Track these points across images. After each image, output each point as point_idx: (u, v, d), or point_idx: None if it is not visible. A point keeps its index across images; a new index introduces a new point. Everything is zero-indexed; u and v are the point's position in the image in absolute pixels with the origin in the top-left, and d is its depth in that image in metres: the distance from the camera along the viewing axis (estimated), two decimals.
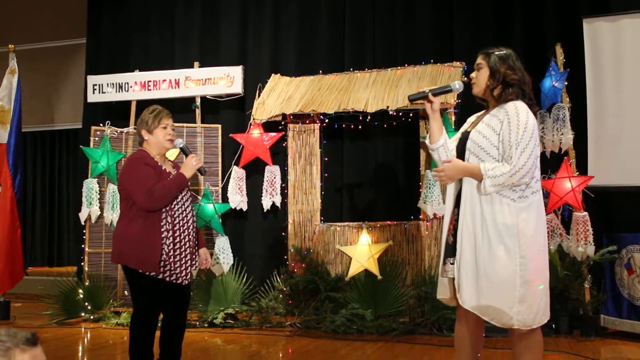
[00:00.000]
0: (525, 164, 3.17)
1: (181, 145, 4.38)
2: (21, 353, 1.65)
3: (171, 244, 4.05)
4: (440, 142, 3.61)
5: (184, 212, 4.18)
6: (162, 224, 4.05)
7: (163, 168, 4.19)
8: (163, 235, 4.03)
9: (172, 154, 6.42)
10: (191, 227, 4.22)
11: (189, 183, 4.33)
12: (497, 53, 3.44)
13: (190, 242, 4.20)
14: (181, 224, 4.13)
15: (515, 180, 3.20)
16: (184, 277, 4.14)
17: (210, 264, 4.63)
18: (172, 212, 4.09)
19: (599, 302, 5.96)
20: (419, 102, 3.75)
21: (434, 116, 3.62)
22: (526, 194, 3.25)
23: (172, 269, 4.05)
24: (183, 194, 4.20)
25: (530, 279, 3.19)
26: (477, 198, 3.30)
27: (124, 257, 4.07)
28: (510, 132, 3.23)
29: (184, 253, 4.12)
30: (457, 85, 3.63)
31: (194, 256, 4.25)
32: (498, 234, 3.21)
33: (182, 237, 4.12)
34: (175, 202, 4.12)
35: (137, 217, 4.05)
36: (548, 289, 3.33)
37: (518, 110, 3.25)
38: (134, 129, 7.74)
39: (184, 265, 4.12)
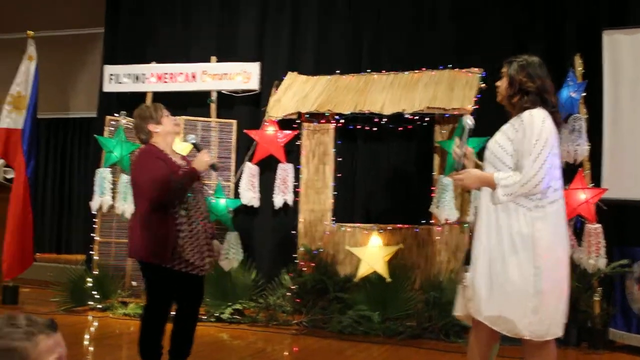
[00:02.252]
0: (537, 174, 3.13)
1: (193, 141, 4.40)
2: (46, 339, 1.65)
3: (186, 236, 4.06)
4: None
5: (197, 205, 4.18)
6: (175, 216, 4.05)
7: (173, 160, 4.19)
8: (177, 228, 4.04)
9: (184, 149, 6.42)
10: (205, 218, 4.24)
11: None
12: (518, 61, 3.41)
13: (205, 234, 4.21)
14: (195, 215, 4.14)
15: (527, 190, 3.16)
16: (200, 269, 4.15)
17: (220, 258, 4.65)
18: (186, 205, 4.10)
19: (608, 315, 5.93)
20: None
21: (468, 163, 3.56)
22: (543, 204, 3.20)
23: (188, 260, 4.06)
24: (194, 185, 4.20)
25: (544, 290, 3.15)
26: (492, 207, 3.28)
27: (140, 251, 4.08)
28: (524, 140, 3.21)
29: (199, 244, 4.13)
30: (470, 121, 3.56)
31: (209, 247, 4.26)
32: (513, 243, 3.18)
33: (197, 228, 4.13)
34: (188, 194, 4.12)
35: (150, 211, 4.04)
36: (564, 301, 3.28)
37: (533, 119, 3.22)
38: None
39: (199, 256, 4.13)
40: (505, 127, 3.39)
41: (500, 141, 3.35)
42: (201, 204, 4.23)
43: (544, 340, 3.24)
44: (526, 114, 3.28)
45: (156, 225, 4.01)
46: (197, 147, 4.38)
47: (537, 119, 3.22)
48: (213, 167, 4.33)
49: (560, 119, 3.37)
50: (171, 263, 4.01)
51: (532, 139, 3.18)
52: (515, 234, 3.19)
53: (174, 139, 4.31)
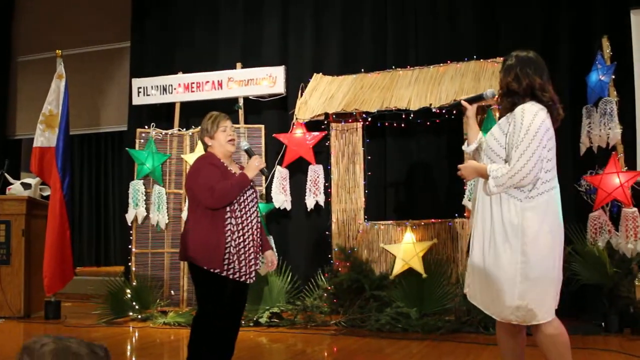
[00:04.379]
0: (525, 167, 3.22)
1: (245, 148, 4.51)
2: None
3: (235, 244, 4.13)
4: (473, 146, 3.75)
5: (248, 213, 4.25)
6: (225, 223, 4.14)
7: (229, 169, 4.28)
8: (227, 235, 4.12)
9: None
10: (255, 227, 4.29)
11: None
12: (508, 62, 3.49)
13: (254, 242, 4.27)
14: (245, 224, 4.21)
15: (515, 182, 3.26)
16: (248, 276, 4.21)
17: (273, 268, 4.69)
18: (235, 214, 4.17)
19: None
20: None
21: (467, 122, 3.80)
22: (532, 195, 3.30)
23: (237, 267, 4.13)
24: (247, 195, 4.27)
25: (532, 277, 3.26)
26: (487, 198, 3.41)
27: (191, 254, 4.15)
28: (514, 134, 3.30)
29: (248, 252, 4.20)
30: (489, 93, 3.75)
31: (257, 255, 4.33)
32: (504, 233, 3.31)
33: (245, 236, 4.19)
34: (238, 203, 4.19)
35: (202, 217, 4.15)
36: (555, 288, 3.34)
37: (524, 113, 3.30)
38: (178, 130, 7.86)
39: (248, 264, 4.19)
40: (501, 121, 3.50)
41: (496, 134, 3.46)
42: (251, 214, 4.29)
43: (546, 322, 3.31)
44: (518, 108, 3.36)
45: (208, 231, 4.11)
46: (248, 153, 4.47)
47: (527, 113, 3.30)
48: (263, 171, 4.42)
49: (559, 112, 3.42)
50: (220, 268, 4.08)
51: (522, 133, 3.27)
52: (507, 223, 3.31)
53: (230, 151, 4.36)
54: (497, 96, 3.59)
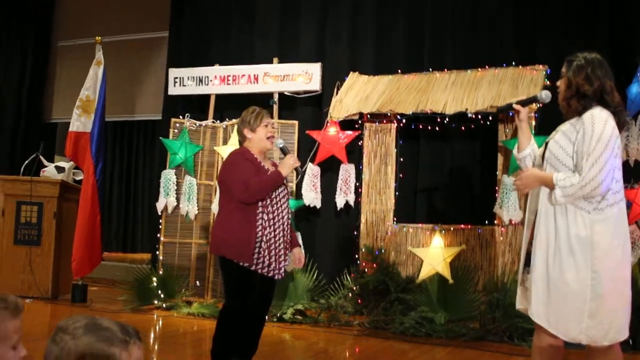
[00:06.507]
0: (597, 177, 3.07)
1: (281, 145, 4.55)
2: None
3: (265, 239, 4.16)
4: (527, 152, 3.57)
5: (279, 209, 4.29)
6: (257, 218, 4.17)
7: (262, 165, 4.32)
8: (258, 230, 4.15)
9: None
10: (285, 223, 4.33)
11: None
12: (577, 62, 3.33)
13: (285, 238, 4.31)
14: (276, 219, 4.25)
15: (586, 193, 3.10)
16: (277, 272, 4.25)
17: (301, 266, 4.72)
18: (267, 209, 4.20)
19: None
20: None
21: (520, 126, 3.60)
22: (601, 206, 3.15)
23: (266, 262, 4.16)
24: (279, 191, 4.31)
25: (603, 294, 3.09)
26: (551, 209, 3.24)
27: (222, 247, 4.21)
28: (584, 142, 3.14)
29: (278, 248, 4.23)
30: (544, 95, 3.56)
31: (287, 252, 4.36)
32: (571, 246, 3.14)
33: (276, 232, 4.24)
34: (270, 199, 4.23)
35: (234, 210, 4.19)
36: (626, 305, 3.20)
37: (594, 120, 3.15)
38: (212, 122, 7.89)
39: (277, 259, 4.22)
40: (566, 128, 3.33)
41: (561, 142, 3.29)
42: (283, 210, 4.33)
43: (609, 345, 3.15)
44: (587, 114, 3.20)
45: (240, 225, 4.16)
46: (284, 151, 4.51)
47: (598, 120, 3.15)
48: (297, 170, 4.49)
49: (625, 118, 3.28)
50: (250, 262, 4.12)
51: (593, 141, 3.11)
52: (573, 236, 3.14)
53: (268, 147, 4.42)
54: (562, 98, 3.38)
